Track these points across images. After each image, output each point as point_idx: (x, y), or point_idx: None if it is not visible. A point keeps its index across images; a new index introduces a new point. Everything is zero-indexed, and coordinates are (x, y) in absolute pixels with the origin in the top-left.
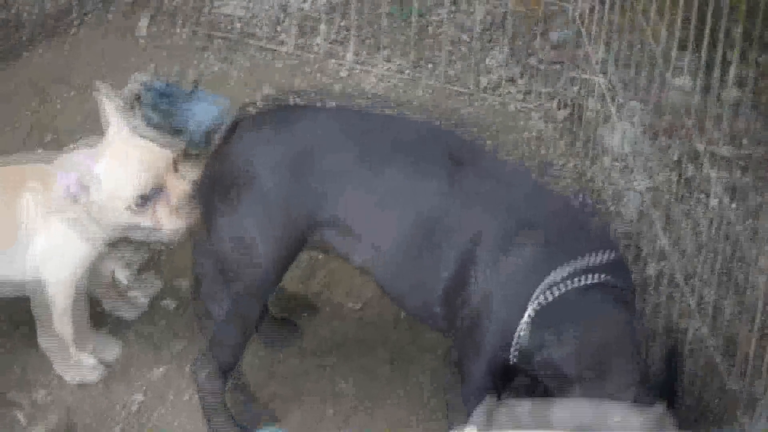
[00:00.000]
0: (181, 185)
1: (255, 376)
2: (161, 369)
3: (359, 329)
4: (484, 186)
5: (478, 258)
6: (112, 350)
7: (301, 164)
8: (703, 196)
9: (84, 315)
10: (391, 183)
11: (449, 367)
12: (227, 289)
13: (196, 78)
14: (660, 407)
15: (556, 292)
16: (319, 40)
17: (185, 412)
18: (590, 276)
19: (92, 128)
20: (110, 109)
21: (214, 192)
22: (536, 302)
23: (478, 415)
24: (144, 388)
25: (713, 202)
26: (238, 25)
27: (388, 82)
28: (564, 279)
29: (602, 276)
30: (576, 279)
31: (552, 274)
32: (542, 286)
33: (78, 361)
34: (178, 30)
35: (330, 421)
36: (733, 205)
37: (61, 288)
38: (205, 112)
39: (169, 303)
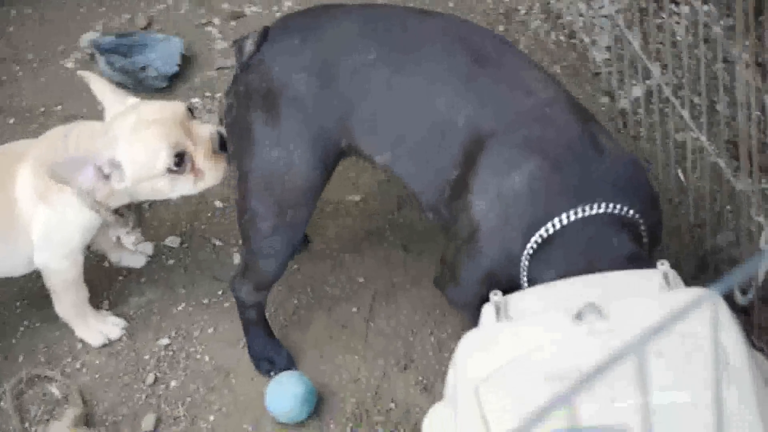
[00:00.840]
0: (206, 128)
1: (273, 293)
2: (180, 307)
3: (365, 221)
4: (501, 90)
5: (479, 168)
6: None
7: (329, 69)
8: (673, 5)
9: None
10: (410, 82)
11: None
12: (271, 203)
13: (149, 18)
14: (664, 266)
15: (564, 221)
16: None
17: (213, 345)
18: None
19: (52, 101)
20: (101, 89)
21: (249, 103)
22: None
23: (487, 313)
24: (168, 330)
25: (684, 9)
26: None
27: None
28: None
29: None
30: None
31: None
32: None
33: (98, 321)
34: None
35: (356, 318)
36: (705, 7)
37: (69, 258)
38: (162, 57)
39: (173, 239)
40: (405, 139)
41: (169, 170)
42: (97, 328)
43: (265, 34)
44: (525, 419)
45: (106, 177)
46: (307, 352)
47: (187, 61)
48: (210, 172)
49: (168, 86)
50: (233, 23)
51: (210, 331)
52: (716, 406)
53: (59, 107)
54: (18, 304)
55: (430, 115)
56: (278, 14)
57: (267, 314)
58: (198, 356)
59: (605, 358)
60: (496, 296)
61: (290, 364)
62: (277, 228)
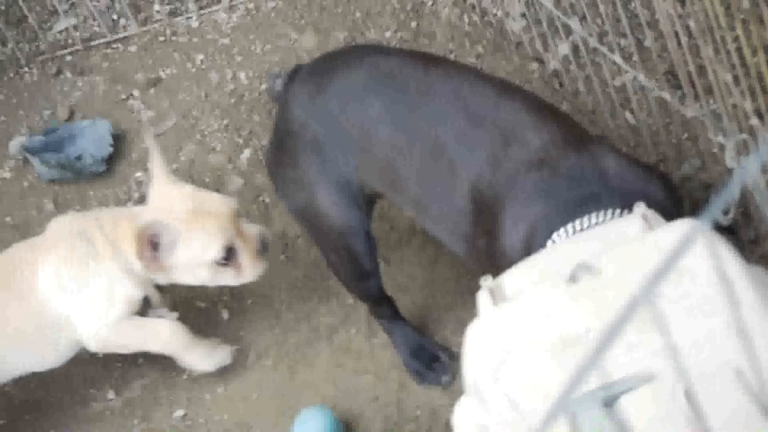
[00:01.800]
0: (254, 228)
1: (272, 335)
2: (184, 377)
3: None
4: (497, 145)
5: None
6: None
7: (339, 119)
8: None
9: None
10: (412, 142)
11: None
12: (320, 238)
13: (70, 108)
14: (640, 207)
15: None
16: (156, 6)
17: (227, 403)
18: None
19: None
20: (158, 164)
21: (279, 144)
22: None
23: (483, 300)
24: (179, 402)
25: None
26: (77, 34)
27: (238, 10)
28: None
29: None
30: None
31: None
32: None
33: (203, 348)
34: (25, 70)
35: (358, 339)
36: None
37: (119, 325)
38: (93, 142)
39: None
40: (420, 199)
41: (216, 262)
42: (207, 355)
43: (293, 74)
44: (559, 391)
45: (158, 254)
46: (319, 385)
47: (119, 139)
48: (250, 270)
49: (107, 169)
50: (152, 90)
51: (220, 390)
52: (738, 329)
53: (8, 218)
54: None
55: (436, 177)
56: (193, 70)
57: (269, 362)
58: (216, 418)
59: (618, 312)
60: (486, 281)
61: (442, 350)
62: (341, 259)
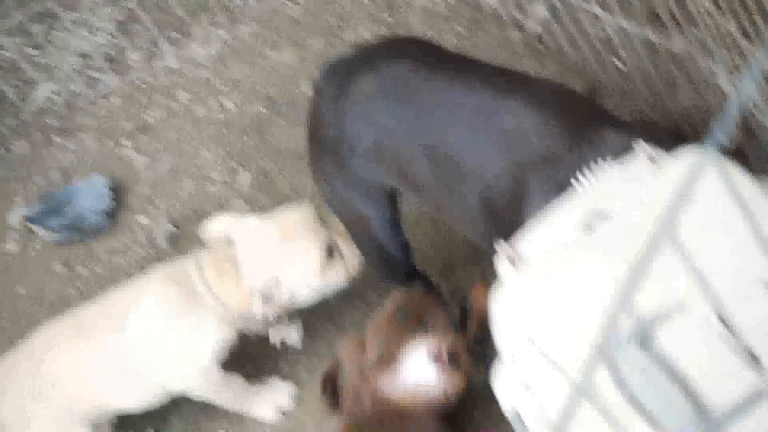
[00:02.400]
0: (333, 222)
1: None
2: None
3: None
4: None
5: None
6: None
7: (359, 121)
8: None
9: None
10: (420, 148)
11: None
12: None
13: (63, 171)
14: (640, 145)
15: None
16: (131, 54)
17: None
18: None
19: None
20: (226, 223)
21: (311, 139)
22: None
23: (504, 267)
24: None
25: None
26: (59, 98)
27: (213, 41)
28: None
29: None
30: None
31: None
32: None
33: (266, 393)
34: (11, 144)
35: None
36: None
37: (205, 381)
38: (92, 199)
39: None
40: (436, 202)
41: (327, 255)
42: (269, 403)
43: (326, 69)
44: (596, 341)
45: (273, 294)
46: None
47: (117, 190)
48: (352, 258)
49: (111, 222)
50: (142, 136)
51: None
52: (760, 244)
53: (23, 289)
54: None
55: (446, 184)
56: (179, 109)
57: (304, 374)
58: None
59: (640, 251)
60: (502, 247)
61: None
62: (365, 246)
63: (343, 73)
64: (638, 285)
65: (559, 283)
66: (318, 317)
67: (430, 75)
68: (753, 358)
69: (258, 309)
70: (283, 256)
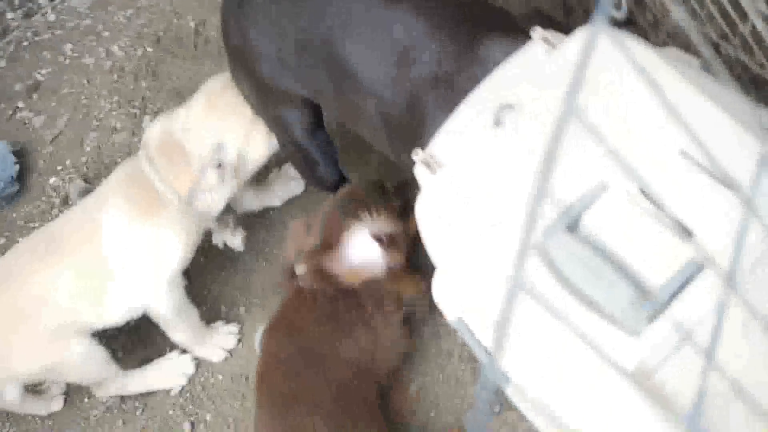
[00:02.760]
0: None
1: None
2: None
3: None
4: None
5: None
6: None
7: (260, 30)
8: None
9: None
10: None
11: None
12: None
13: None
14: (537, 31)
15: None
16: (9, 14)
17: None
18: None
19: None
20: (163, 124)
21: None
22: None
23: (421, 175)
24: None
25: None
26: None
27: None
28: None
29: None
30: None
31: None
32: None
33: (213, 335)
34: None
35: None
36: None
37: (175, 283)
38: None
39: None
40: (340, 112)
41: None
42: (214, 343)
43: None
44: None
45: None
46: None
47: (21, 154)
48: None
49: (20, 189)
50: (35, 96)
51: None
52: (669, 111)
53: None
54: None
55: (347, 95)
56: (67, 62)
57: None
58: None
59: (549, 137)
60: (417, 155)
61: None
62: (289, 153)
63: None
64: (554, 170)
65: (479, 181)
66: (251, 254)
67: None
68: (685, 231)
69: (212, 179)
70: (219, 123)
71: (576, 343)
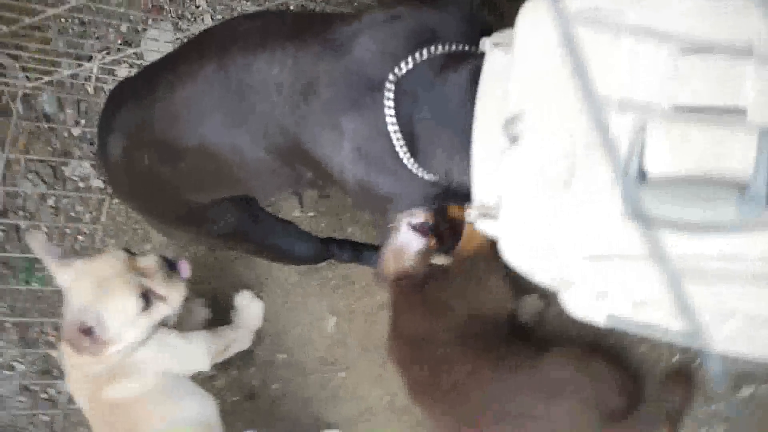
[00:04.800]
0: (149, 260)
1: None
2: None
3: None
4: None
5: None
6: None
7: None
8: None
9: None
10: None
11: None
12: None
13: None
14: (485, 41)
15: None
16: None
17: None
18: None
19: None
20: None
21: None
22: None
23: (482, 225)
24: None
25: None
26: None
27: None
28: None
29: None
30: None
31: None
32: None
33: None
34: None
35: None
36: None
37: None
38: None
39: None
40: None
41: (142, 312)
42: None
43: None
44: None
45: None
46: None
47: None
48: (174, 295)
49: None
50: None
51: None
52: None
53: None
54: None
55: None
56: None
57: None
58: None
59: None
60: (471, 214)
61: None
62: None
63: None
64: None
65: (537, 202)
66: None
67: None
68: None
69: (81, 348)
70: (102, 307)
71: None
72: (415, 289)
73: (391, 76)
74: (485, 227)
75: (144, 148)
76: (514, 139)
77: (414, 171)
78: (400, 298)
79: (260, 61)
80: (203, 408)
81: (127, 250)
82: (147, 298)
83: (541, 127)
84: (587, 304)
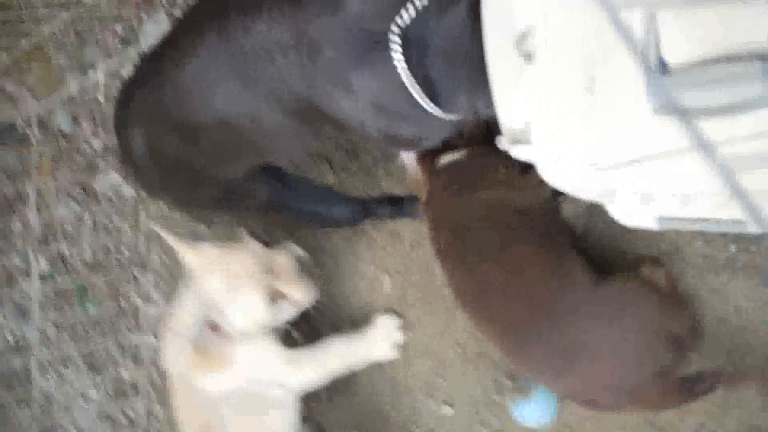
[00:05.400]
0: (282, 257)
1: None
2: None
3: None
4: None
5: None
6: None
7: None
8: None
9: None
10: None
11: None
12: None
13: None
14: None
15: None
16: None
17: None
18: None
19: None
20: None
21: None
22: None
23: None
24: None
25: None
26: None
27: None
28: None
29: None
30: None
31: None
32: None
33: (375, 336)
34: None
35: None
36: None
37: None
38: None
39: None
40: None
41: (270, 316)
42: (384, 341)
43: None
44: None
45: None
46: None
47: None
48: (301, 296)
49: None
50: None
51: None
52: None
53: None
54: None
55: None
56: None
57: None
58: None
59: None
60: (503, 142)
61: None
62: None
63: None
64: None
65: (564, 113)
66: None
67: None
68: None
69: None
70: (230, 304)
71: None
72: (441, 177)
73: (394, 28)
74: (519, 153)
75: (164, 135)
76: (528, 57)
77: (437, 114)
78: (433, 185)
79: (259, 25)
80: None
81: (263, 242)
82: (275, 299)
83: (552, 39)
84: (635, 209)
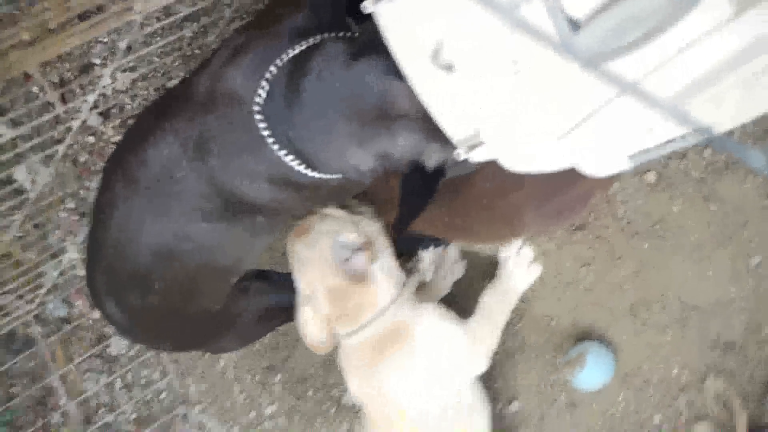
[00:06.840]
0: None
1: None
2: None
3: None
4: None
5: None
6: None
7: None
8: None
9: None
10: None
11: None
12: None
13: None
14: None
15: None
16: None
17: None
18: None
19: None
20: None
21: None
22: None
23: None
24: None
25: None
26: None
27: None
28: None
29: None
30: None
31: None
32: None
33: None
34: None
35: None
36: None
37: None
38: None
39: None
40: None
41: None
42: (519, 274)
43: None
44: None
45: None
46: None
47: None
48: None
49: None
50: None
51: None
52: None
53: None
54: None
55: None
56: None
57: None
58: None
59: None
60: (460, 152)
61: None
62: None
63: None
64: None
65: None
66: None
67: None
68: None
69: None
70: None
71: None
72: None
73: (255, 107)
74: (479, 157)
75: (128, 293)
76: (448, 68)
77: (325, 177)
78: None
79: (150, 149)
80: None
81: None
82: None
83: (463, 43)
84: (606, 160)
